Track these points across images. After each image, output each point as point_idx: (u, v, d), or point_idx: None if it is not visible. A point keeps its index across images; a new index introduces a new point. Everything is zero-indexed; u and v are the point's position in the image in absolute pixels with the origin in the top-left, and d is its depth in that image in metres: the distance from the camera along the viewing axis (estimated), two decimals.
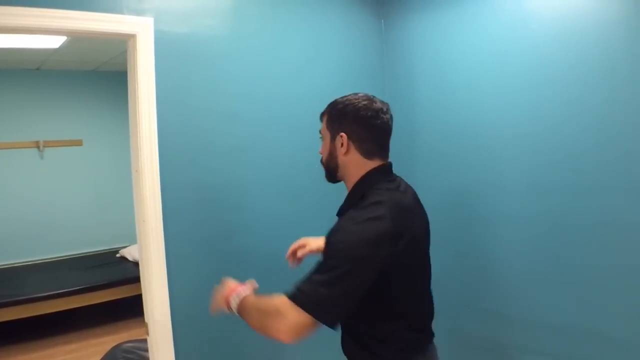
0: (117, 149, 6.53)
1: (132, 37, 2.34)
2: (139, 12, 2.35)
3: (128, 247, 6.32)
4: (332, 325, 1.61)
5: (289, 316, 1.57)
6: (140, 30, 2.34)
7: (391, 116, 1.86)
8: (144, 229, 2.37)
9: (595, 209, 2.40)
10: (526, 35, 2.59)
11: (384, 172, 1.82)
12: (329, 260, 1.61)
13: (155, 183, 2.37)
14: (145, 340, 2.50)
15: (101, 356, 3.96)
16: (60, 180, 6.53)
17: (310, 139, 2.88)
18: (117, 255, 6.43)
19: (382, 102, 1.84)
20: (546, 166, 2.56)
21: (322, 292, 1.56)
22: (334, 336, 1.85)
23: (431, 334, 1.90)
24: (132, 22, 2.33)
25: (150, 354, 2.46)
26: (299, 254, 2.24)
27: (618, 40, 2.27)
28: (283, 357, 2.86)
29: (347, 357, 1.88)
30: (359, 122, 1.78)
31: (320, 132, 1.94)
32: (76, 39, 4.72)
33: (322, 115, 1.92)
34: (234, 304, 1.80)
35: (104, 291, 5.52)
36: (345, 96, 1.85)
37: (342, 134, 1.79)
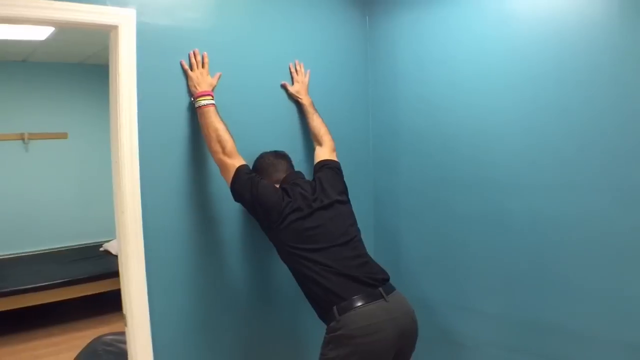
0: (103, 143, 6.37)
1: (114, 28, 2.33)
2: (121, 4, 2.34)
3: (112, 241, 6.30)
4: (233, 195, 2.43)
5: (228, 164, 2.40)
6: (123, 22, 2.33)
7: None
8: (122, 220, 2.36)
9: (576, 207, 2.43)
10: (509, 34, 2.62)
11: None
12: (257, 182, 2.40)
13: (134, 174, 2.37)
14: (125, 333, 2.50)
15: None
16: (45, 173, 6.50)
17: (291, 131, 2.92)
18: (101, 249, 6.41)
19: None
20: (527, 163, 2.59)
21: (243, 182, 2.38)
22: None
23: (361, 291, 2.25)
24: (114, 13, 2.32)
25: (128, 346, 2.46)
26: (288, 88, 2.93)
27: (600, 39, 2.30)
28: (261, 347, 2.88)
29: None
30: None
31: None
32: (63, 30, 4.70)
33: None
34: (201, 103, 2.45)
35: (87, 285, 5.51)
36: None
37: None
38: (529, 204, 2.59)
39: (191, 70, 2.51)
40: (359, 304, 2.19)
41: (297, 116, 2.94)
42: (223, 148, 2.39)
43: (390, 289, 2.32)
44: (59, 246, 6.59)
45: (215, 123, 2.41)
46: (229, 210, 2.69)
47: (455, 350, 3.01)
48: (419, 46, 3.06)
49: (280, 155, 2.69)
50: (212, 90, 2.51)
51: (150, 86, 2.43)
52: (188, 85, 2.52)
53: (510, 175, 2.65)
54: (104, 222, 6.53)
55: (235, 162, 2.40)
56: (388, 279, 2.38)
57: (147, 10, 2.42)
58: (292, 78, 2.93)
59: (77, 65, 6.58)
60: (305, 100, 2.88)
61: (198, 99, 2.45)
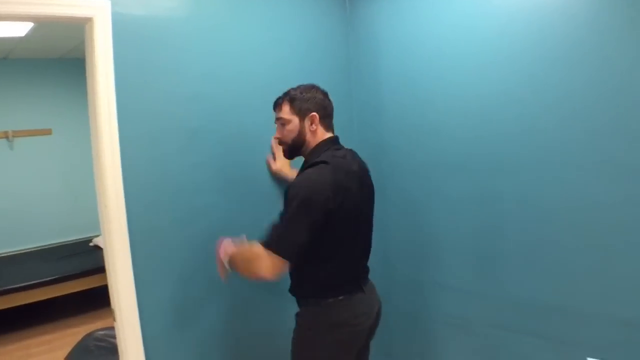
0: (87, 137, 6.35)
1: (89, 20, 2.30)
2: None
3: (101, 236, 6.25)
4: (291, 259, 2.07)
5: (265, 258, 2.04)
6: (97, 13, 2.30)
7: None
8: (106, 214, 2.35)
9: (560, 186, 2.42)
10: (491, 12, 2.59)
11: (332, 142, 2.33)
12: (285, 209, 2.10)
13: (116, 167, 2.34)
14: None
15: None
16: (31, 170, 6.46)
17: (273, 118, 2.89)
18: (91, 244, 6.40)
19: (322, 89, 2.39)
20: (510, 142, 2.58)
21: (282, 235, 2.06)
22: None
23: (355, 288, 2.29)
24: (89, 5, 2.28)
25: (118, 340, 2.46)
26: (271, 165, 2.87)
27: (580, 16, 2.28)
28: (252, 339, 2.87)
29: (296, 299, 2.37)
30: (321, 103, 2.32)
31: (281, 118, 2.35)
32: (42, 26, 4.66)
33: (279, 104, 2.37)
34: (227, 265, 2.25)
35: (78, 281, 5.51)
36: (299, 87, 2.35)
37: (314, 113, 2.29)
38: (515, 182, 2.58)
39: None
40: (341, 296, 2.24)
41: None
42: (253, 256, 2.12)
43: (367, 280, 2.41)
44: (48, 243, 6.57)
45: (239, 253, 2.21)
46: (215, 202, 2.68)
47: (445, 330, 3.03)
48: (400, 27, 3.03)
49: (328, 96, 2.40)
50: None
51: (129, 77, 2.40)
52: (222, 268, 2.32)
53: (495, 155, 2.65)
54: (93, 217, 6.43)
55: (261, 251, 2.07)
56: (369, 270, 2.45)
57: (122, 1, 2.39)
58: (273, 154, 2.88)
59: (58, 60, 6.53)
60: (290, 174, 2.74)
61: (223, 261, 2.26)
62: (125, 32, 2.39)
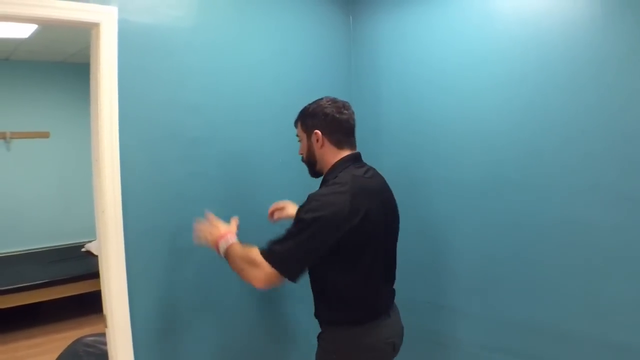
0: (85, 142, 6.33)
1: (95, 26, 2.31)
2: (103, 1, 2.32)
3: (93, 242, 6.23)
4: (293, 279, 1.98)
5: (261, 269, 1.96)
6: (104, 20, 2.32)
7: (353, 112, 2.24)
8: (102, 220, 2.34)
9: (555, 209, 2.44)
10: (491, 35, 2.63)
11: (352, 159, 2.18)
12: (296, 224, 1.99)
13: (115, 173, 2.35)
14: (105, 334, 2.48)
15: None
16: (27, 172, 6.44)
17: (274, 131, 2.90)
18: (82, 249, 6.36)
19: (343, 101, 2.23)
20: (507, 164, 2.60)
21: (286, 252, 1.95)
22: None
23: (381, 313, 2.18)
24: (96, 10, 2.30)
25: (109, 347, 2.44)
26: (276, 216, 2.63)
27: (581, 40, 2.31)
28: (245, 346, 2.86)
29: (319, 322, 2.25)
30: (327, 118, 2.16)
31: (297, 135, 2.32)
32: (46, 29, 4.67)
33: (296, 122, 2.31)
34: (222, 249, 2.14)
35: (68, 285, 5.47)
36: (313, 102, 2.24)
37: (316, 131, 2.17)
38: (511, 204, 2.60)
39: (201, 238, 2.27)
40: (369, 320, 2.14)
41: (284, 116, 2.92)
42: (251, 262, 2.00)
43: (392, 303, 2.30)
44: (40, 246, 6.54)
45: (236, 252, 2.09)
46: (212, 209, 2.67)
47: (439, 350, 3.01)
48: (402, 46, 3.06)
49: (347, 108, 2.23)
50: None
51: (132, 84, 2.41)
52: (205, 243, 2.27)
53: (492, 175, 2.66)
54: (86, 223, 6.43)
55: (260, 258, 1.98)
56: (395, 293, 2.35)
57: (129, 8, 2.40)
58: (279, 210, 2.65)
59: (59, 64, 6.53)
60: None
61: (219, 245, 2.16)
62: (130, 39, 2.41)
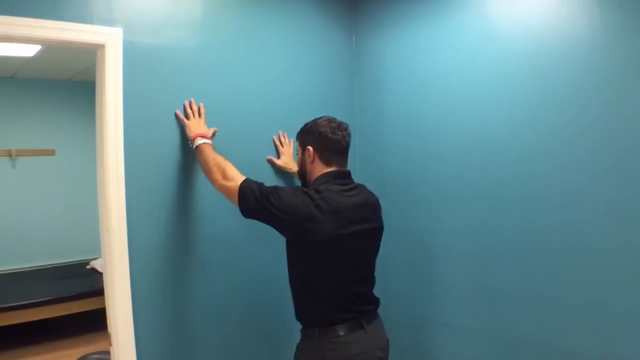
0: (90, 160, 6.38)
1: (100, 47, 2.34)
2: (108, 23, 2.35)
3: (99, 259, 6.25)
4: (243, 212, 2.24)
5: (230, 187, 2.26)
6: (109, 41, 2.34)
7: (349, 133, 2.37)
8: (107, 239, 2.35)
9: (557, 226, 2.44)
10: (493, 53, 2.64)
11: (334, 176, 2.31)
12: (274, 191, 2.19)
13: (120, 193, 2.36)
14: (110, 352, 2.48)
15: None
16: (32, 190, 6.48)
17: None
18: (88, 266, 6.38)
19: (340, 122, 2.37)
20: (510, 182, 2.60)
21: (255, 198, 2.18)
22: None
23: (360, 321, 2.24)
24: (101, 32, 2.33)
25: None
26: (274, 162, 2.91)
27: (583, 58, 2.32)
28: None
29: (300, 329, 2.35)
30: (320, 136, 2.31)
31: (296, 150, 2.53)
32: (51, 47, 4.71)
33: (296, 136, 2.47)
34: (197, 143, 2.44)
35: (73, 302, 5.48)
36: (313, 119, 2.37)
37: (309, 147, 2.33)
38: (513, 220, 2.60)
39: (187, 119, 2.54)
40: (341, 333, 2.19)
41: (288, 135, 2.96)
42: (223, 173, 2.31)
43: (372, 317, 2.32)
44: (45, 263, 6.56)
45: (213, 154, 2.38)
46: (216, 229, 2.69)
47: None
48: (404, 65, 3.08)
49: (343, 129, 2.37)
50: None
51: (137, 105, 2.43)
52: (186, 133, 2.54)
53: (495, 191, 2.66)
54: (91, 240, 6.50)
55: (237, 180, 2.26)
56: (377, 306, 2.38)
57: (134, 30, 2.43)
58: (277, 151, 2.95)
59: (65, 82, 6.58)
60: (294, 168, 2.82)
61: (196, 140, 2.45)
62: (135, 60, 2.43)
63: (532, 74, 2.50)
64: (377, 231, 2.40)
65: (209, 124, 2.60)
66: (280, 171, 2.94)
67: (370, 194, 2.41)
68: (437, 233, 2.96)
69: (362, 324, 2.23)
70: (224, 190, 2.31)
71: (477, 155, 2.73)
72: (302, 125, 2.41)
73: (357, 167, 3.32)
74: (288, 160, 2.92)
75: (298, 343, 2.34)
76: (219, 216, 2.70)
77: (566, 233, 2.41)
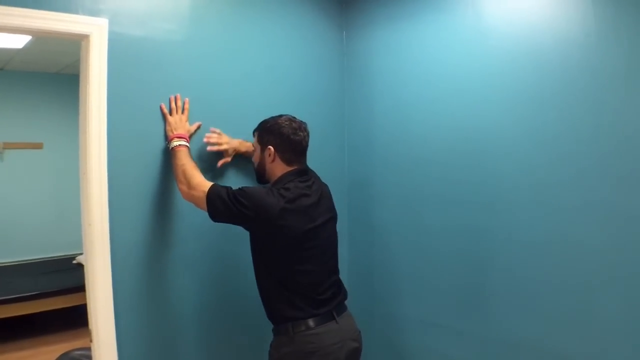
0: (78, 154, 6.42)
1: (85, 37, 2.31)
2: (94, 13, 2.32)
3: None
4: (214, 218, 2.27)
5: (196, 195, 2.28)
6: (94, 31, 2.31)
7: (308, 133, 2.44)
8: (89, 233, 2.32)
9: (547, 225, 2.41)
10: (485, 51, 2.62)
11: (297, 174, 2.37)
12: (243, 193, 2.21)
13: (102, 187, 2.33)
14: None
15: None
16: (20, 183, 6.44)
17: None
18: (74, 261, 6.31)
19: (300, 122, 2.43)
20: (500, 180, 2.58)
21: (224, 202, 2.20)
22: None
23: (331, 312, 2.31)
24: (86, 22, 2.29)
25: None
26: (213, 139, 2.64)
27: (575, 57, 2.30)
28: None
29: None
30: (282, 137, 2.35)
31: (253, 144, 2.53)
32: (40, 39, 4.67)
33: (254, 132, 2.51)
34: (173, 144, 2.44)
35: (59, 298, 5.45)
36: (272, 117, 2.43)
37: (270, 147, 2.37)
38: (503, 222, 2.58)
39: (170, 115, 2.53)
40: (313, 325, 2.25)
41: None
42: (188, 183, 2.31)
43: (342, 309, 2.40)
44: (31, 258, 6.51)
45: (183, 161, 2.38)
46: (199, 225, 2.65)
47: None
48: (395, 62, 3.06)
49: (303, 130, 2.43)
50: (189, 136, 2.53)
51: (122, 97, 2.40)
52: (165, 129, 2.53)
53: (484, 193, 2.64)
54: (78, 235, 6.38)
55: (204, 188, 2.26)
56: (346, 297, 2.47)
57: (120, 20, 2.40)
58: (221, 151, 2.69)
59: (54, 75, 6.54)
60: (242, 148, 2.75)
61: (172, 141, 2.45)
62: (120, 51, 2.40)
63: (524, 72, 2.47)
64: (335, 220, 2.53)
65: (194, 117, 2.57)
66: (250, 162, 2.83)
67: (323, 184, 2.53)
68: (425, 232, 2.93)
69: (333, 316, 2.31)
70: (190, 199, 2.33)
71: (466, 153, 2.71)
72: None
73: (346, 162, 3.30)
74: (234, 144, 2.71)
75: (271, 342, 2.37)
76: (203, 211, 2.67)
77: (555, 234, 2.39)
